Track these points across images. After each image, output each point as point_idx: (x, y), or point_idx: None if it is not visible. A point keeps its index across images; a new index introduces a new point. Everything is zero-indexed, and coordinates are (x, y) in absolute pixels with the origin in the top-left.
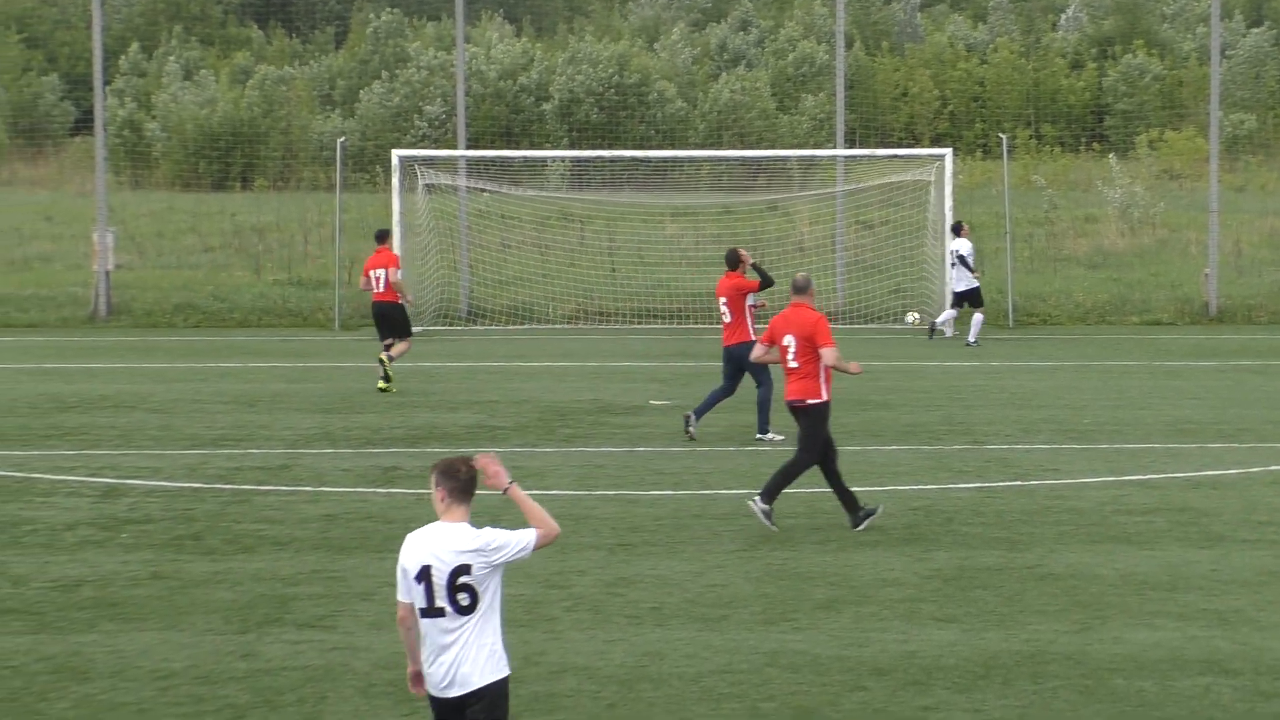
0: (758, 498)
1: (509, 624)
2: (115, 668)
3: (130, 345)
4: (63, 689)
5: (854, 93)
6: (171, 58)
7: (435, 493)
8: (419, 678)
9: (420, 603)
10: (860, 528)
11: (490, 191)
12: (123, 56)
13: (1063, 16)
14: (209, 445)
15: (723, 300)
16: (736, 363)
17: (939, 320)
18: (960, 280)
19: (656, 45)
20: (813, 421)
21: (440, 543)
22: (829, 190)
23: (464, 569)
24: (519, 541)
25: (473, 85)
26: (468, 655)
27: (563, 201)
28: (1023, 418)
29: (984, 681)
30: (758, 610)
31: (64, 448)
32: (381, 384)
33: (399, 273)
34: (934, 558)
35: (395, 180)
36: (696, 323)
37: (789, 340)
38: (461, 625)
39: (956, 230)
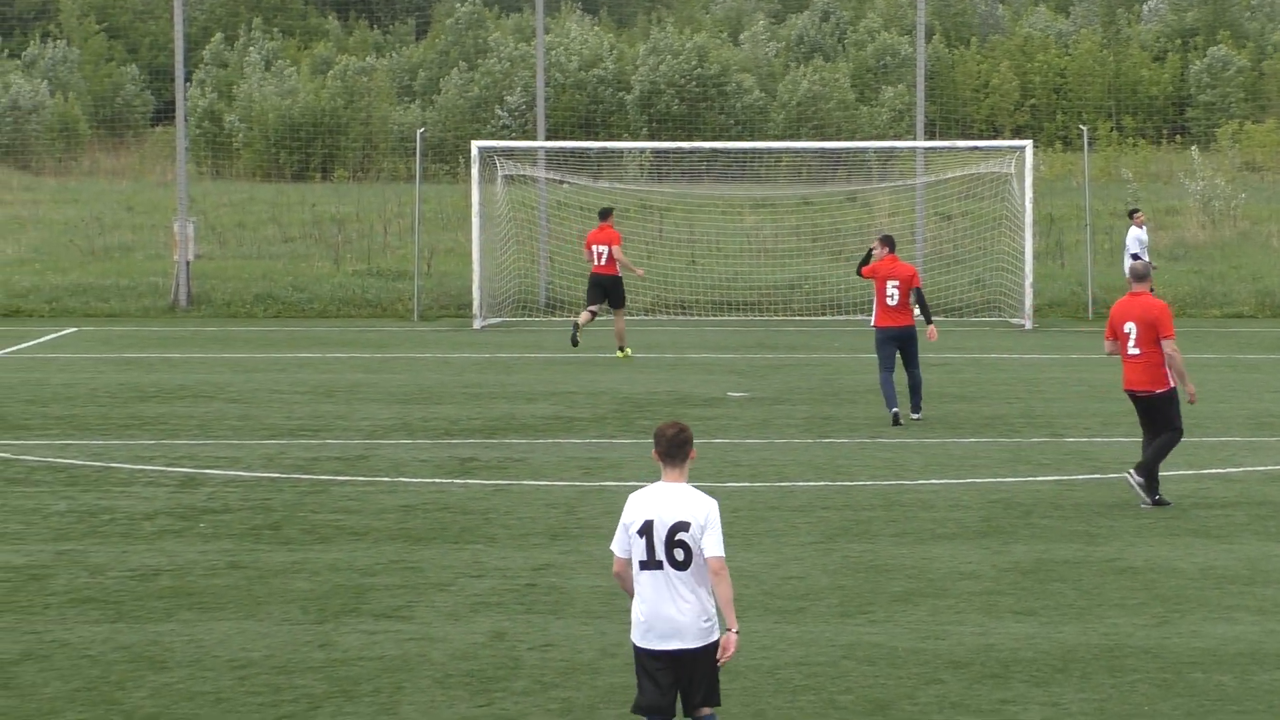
0: (1145, 499)
1: (587, 615)
2: (193, 657)
3: (210, 335)
4: (140, 678)
5: (934, 84)
6: (252, 48)
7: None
8: None
9: (640, 555)
10: (1146, 502)
11: (569, 183)
12: (204, 47)
13: (1145, 8)
14: (287, 435)
15: (894, 283)
16: (900, 343)
17: None
18: None
19: (741, 37)
20: (1165, 407)
21: (663, 500)
22: (908, 182)
23: (683, 525)
24: (719, 542)
25: (553, 76)
26: (682, 609)
27: (642, 193)
28: (1102, 410)
29: (1062, 675)
30: (834, 602)
31: (143, 437)
32: (620, 353)
33: (621, 249)
34: (1012, 550)
35: (474, 171)
36: (776, 314)
37: (1129, 328)
38: (678, 580)
39: (1131, 216)
